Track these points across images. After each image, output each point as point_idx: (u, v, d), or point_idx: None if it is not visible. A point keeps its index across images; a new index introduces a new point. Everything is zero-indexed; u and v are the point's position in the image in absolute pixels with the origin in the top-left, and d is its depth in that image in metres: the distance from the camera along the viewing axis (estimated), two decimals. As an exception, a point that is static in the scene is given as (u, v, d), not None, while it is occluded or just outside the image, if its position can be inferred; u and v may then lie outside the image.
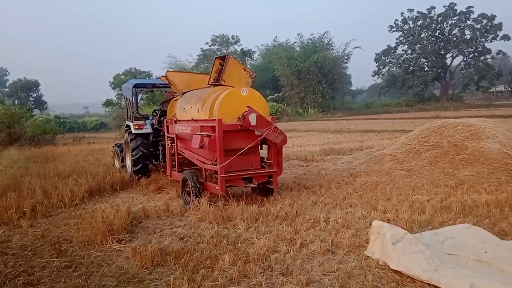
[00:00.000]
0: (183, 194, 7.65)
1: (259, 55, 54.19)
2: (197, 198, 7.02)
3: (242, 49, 46.92)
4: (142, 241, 5.79)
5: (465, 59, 59.73)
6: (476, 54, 58.38)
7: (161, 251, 5.15)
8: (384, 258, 4.62)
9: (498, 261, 4.41)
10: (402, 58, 61.79)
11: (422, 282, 4.12)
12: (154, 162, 10.65)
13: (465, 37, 57.63)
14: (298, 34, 53.42)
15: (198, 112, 7.47)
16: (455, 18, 58.70)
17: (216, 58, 7.98)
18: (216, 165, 7.00)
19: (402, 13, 61.07)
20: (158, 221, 6.88)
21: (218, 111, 6.93)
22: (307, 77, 48.37)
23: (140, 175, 10.09)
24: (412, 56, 60.91)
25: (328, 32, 49.10)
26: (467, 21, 58.09)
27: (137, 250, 5.10)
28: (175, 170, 8.77)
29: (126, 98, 11.61)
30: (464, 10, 57.91)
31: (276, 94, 48.89)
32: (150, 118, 10.72)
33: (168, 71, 9.14)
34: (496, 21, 56.39)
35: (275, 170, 7.48)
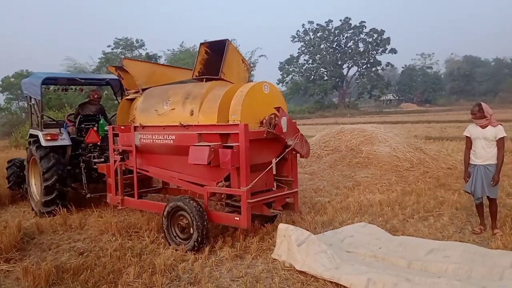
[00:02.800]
0: (171, 231, 5.50)
1: (165, 60, 53.13)
2: (202, 239, 5.18)
3: (147, 53, 45.59)
4: (35, 259, 5.37)
5: (359, 69, 64.83)
6: (368, 65, 63.62)
7: (57, 269, 4.77)
8: (290, 260, 4.75)
9: (391, 256, 4.84)
10: (304, 67, 65.10)
11: (325, 280, 4.32)
12: (73, 185, 8.21)
13: (359, 49, 62.56)
14: (205, 40, 53.54)
15: (192, 114, 5.51)
16: (350, 31, 63.44)
17: (201, 44, 5.97)
18: (228, 186, 5.28)
19: (303, 25, 64.43)
20: (54, 236, 6.38)
21: (239, 114, 5.16)
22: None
23: (54, 207, 7.33)
24: (313, 65, 64.49)
25: (234, 39, 49.67)
26: (361, 34, 63.08)
27: (28, 270, 4.68)
28: (128, 195, 6.67)
29: (30, 97, 8.38)
30: (357, 24, 62.82)
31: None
32: (64, 125, 8.20)
33: (125, 58, 6.85)
34: (385, 36, 62.03)
35: (296, 189, 5.94)
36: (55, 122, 8.53)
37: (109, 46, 46.26)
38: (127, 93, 6.82)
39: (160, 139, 5.85)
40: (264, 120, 5.30)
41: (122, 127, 6.52)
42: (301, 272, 4.54)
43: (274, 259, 4.95)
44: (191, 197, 5.49)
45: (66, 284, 4.56)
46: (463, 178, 5.98)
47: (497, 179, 5.52)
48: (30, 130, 8.27)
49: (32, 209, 7.84)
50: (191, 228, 5.21)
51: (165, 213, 5.49)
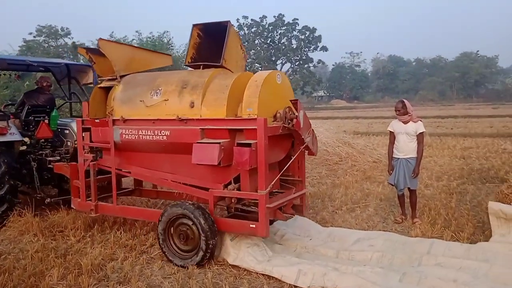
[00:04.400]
0: (170, 244, 4.79)
1: (94, 50, 50.78)
2: (213, 251, 4.60)
3: (73, 42, 42.94)
4: None
5: (292, 66, 66.09)
6: (301, 62, 65.10)
7: None
8: (223, 255, 4.77)
9: (320, 247, 5.06)
10: (237, 62, 65.14)
11: (257, 273, 4.41)
12: (24, 189, 7.07)
13: (292, 46, 63.81)
14: (137, 31, 51.62)
15: (192, 107, 4.77)
16: (283, 28, 64.42)
17: (194, 26, 5.17)
18: (238, 189, 4.61)
19: (237, 20, 64.41)
20: None
21: (256, 107, 4.44)
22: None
23: (2, 213, 6.28)
24: (248, 61, 64.76)
25: (168, 31, 48.37)
26: (294, 31, 64.35)
27: None
28: (102, 200, 5.76)
29: None
30: (290, 21, 64.01)
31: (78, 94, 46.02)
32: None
33: (101, 38, 5.60)
34: (316, 34, 63.88)
35: (306, 190, 5.48)
36: (1, 113, 7.07)
37: (30, 33, 42.97)
38: (100, 80, 5.81)
39: (149, 135, 5.02)
40: (278, 114, 4.70)
41: (97, 121, 5.52)
42: (234, 266, 4.58)
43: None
44: (194, 202, 4.76)
45: None
46: (387, 171, 6.32)
47: (417, 171, 5.92)
48: None
49: None
50: (197, 239, 4.55)
51: (161, 223, 4.72)
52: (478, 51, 71.43)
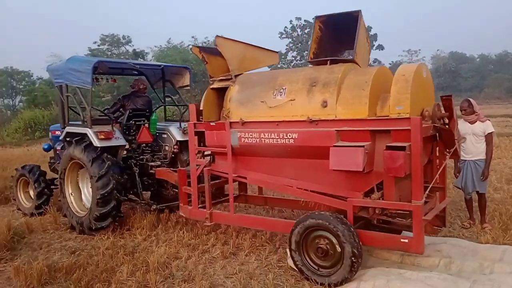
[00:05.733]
0: (305, 259, 4.35)
1: (152, 56, 52.12)
2: (358, 266, 4.08)
3: (134, 49, 44.42)
4: (26, 258, 5.32)
5: (347, 66, 64.67)
6: (357, 62, 63.58)
7: (49, 268, 4.76)
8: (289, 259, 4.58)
9: (383, 251, 4.74)
10: (292, 64, 64.57)
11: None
12: (128, 195, 6.87)
13: (346, 45, 62.51)
14: (193, 37, 52.62)
15: (325, 106, 4.30)
16: (337, 27, 63.26)
17: (316, 18, 4.80)
18: (381, 198, 4.10)
19: (290, 21, 63.99)
20: (44, 235, 6.34)
21: (408, 105, 3.87)
22: (203, 80, 47.72)
23: (108, 221, 6.18)
24: (301, 62, 63.96)
25: (221, 35, 48.99)
26: (348, 31, 62.98)
27: (20, 269, 4.67)
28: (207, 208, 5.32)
29: (67, 87, 6.94)
30: (345, 20, 62.72)
31: (172, 97, 47.25)
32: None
33: (218, 36, 5.26)
34: (372, 32, 61.99)
35: (448, 199, 4.85)
36: (105, 116, 7.06)
37: (95, 42, 44.95)
38: (212, 81, 5.49)
39: (272, 139, 4.64)
40: (426, 112, 4.12)
41: (212, 124, 5.21)
42: (293, 268, 4.51)
43: (267, 255, 5.02)
44: (333, 212, 4.27)
45: (58, 283, 4.53)
46: (453, 173, 6.02)
47: (486, 174, 5.62)
48: (67, 128, 6.82)
49: (72, 227, 6.53)
50: (338, 254, 4.08)
51: (295, 234, 4.30)
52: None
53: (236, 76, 5.25)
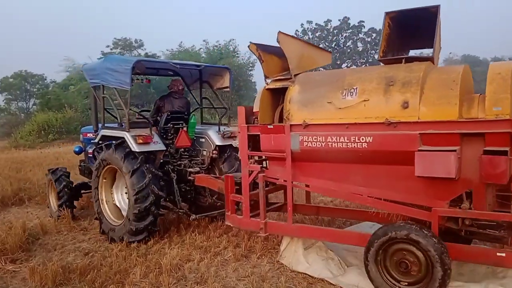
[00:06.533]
0: (383, 273, 4.02)
1: (164, 60, 52.40)
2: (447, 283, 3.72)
3: (146, 53, 44.39)
4: (41, 259, 5.37)
5: (358, 69, 64.33)
6: (367, 65, 63.07)
7: (63, 269, 4.79)
8: (294, 262, 4.75)
9: None
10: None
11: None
12: (170, 206, 6.53)
13: (358, 49, 62.02)
14: (204, 41, 52.56)
15: (406, 107, 3.89)
16: (348, 31, 62.85)
17: (386, 14, 4.39)
18: (470, 208, 3.73)
19: (302, 24, 63.77)
20: (58, 236, 6.36)
21: (509, 104, 3.53)
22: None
23: (144, 235, 5.85)
24: (311, 65, 63.75)
25: (233, 39, 49.01)
26: (359, 34, 62.56)
27: (35, 270, 4.70)
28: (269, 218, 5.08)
29: (103, 88, 6.58)
30: (356, 24, 62.31)
31: (209, 99, 47.10)
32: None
33: (280, 32, 4.76)
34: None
35: None
36: (144, 119, 6.64)
37: (107, 46, 44.95)
38: (268, 80, 5.13)
39: (341, 143, 4.24)
40: None
41: (270, 127, 4.84)
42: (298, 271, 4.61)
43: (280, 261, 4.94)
44: (418, 224, 3.89)
45: (73, 284, 4.55)
46: None
47: None
48: (103, 131, 6.47)
49: (103, 232, 6.23)
50: (424, 269, 3.75)
51: (372, 249, 3.95)
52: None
53: (295, 75, 4.85)
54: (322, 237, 4.80)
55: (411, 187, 3.97)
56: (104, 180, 6.43)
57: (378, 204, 4.30)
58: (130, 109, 6.28)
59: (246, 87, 52.57)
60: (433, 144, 3.75)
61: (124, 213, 6.17)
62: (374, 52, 62.15)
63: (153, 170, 5.88)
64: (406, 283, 3.86)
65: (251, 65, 52.02)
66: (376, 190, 4.23)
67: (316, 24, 63.23)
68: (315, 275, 4.47)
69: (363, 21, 62.03)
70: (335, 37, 63.50)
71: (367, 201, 4.37)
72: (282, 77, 4.94)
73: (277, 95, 5.04)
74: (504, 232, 3.77)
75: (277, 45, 4.76)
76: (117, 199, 6.53)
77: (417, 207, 4.05)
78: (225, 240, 5.66)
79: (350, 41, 63.44)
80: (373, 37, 61.53)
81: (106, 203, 6.44)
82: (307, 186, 4.89)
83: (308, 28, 63.33)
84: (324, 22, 63.29)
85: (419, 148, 3.75)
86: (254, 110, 5.06)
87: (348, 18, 62.23)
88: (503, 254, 3.57)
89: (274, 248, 5.32)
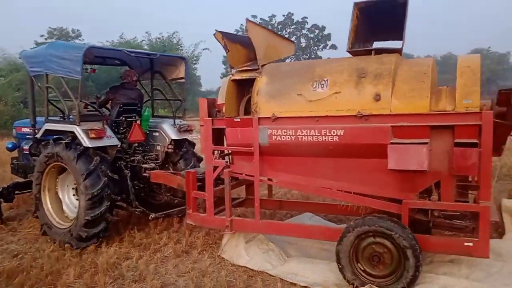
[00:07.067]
0: (355, 267, 3.97)
1: (104, 52, 50.08)
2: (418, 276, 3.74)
3: (84, 44, 42.33)
4: None
5: (302, 65, 65.43)
6: (310, 61, 64.46)
7: None
8: (235, 256, 4.74)
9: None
10: (248, 62, 64.45)
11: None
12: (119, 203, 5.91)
13: (301, 44, 63.09)
14: (147, 32, 50.94)
15: (377, 100, 3.84)
16: (292, 26, 63.80)
17: (355, 5, 4.28)
18: (439, 199, 3.77)
19: (247, 19, 63.71)
20: None
21: (478, 97, 3.59)
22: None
23: (93, 241, 5.37)
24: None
25: (177, 32, 47.87)
26: (303, 30, 63.68)
27: None
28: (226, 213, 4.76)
29: (46, 77, 5.98)
30: (300, 20, 63.33)
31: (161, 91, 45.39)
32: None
33: (249, 20, 4.75)
34: (326, 32, 63.13)
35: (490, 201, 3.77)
36: (96, 111, 6.13)
37: (42, 35, 42.19)
38: (233, 71, 4.86)
39: (312, 136, 4.12)
40: (484, 107, 3.69)
41: (236, 120, 4.61)
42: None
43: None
44: (388, 216, 3.89)
45: None
46: None
47: None
48: (47, 125, 5.92)
49: (44, 233, 5.79)
50: (396, 258, 3.76)
51: (343, 245, 3.90)
52: (489, 47, 70.69)
53: (262, 66, 4.66)
54: (291, 233, 4.69)
55: (381, 180, 3.95)
56: (48, 179, 5.89)
57: (348, 197, 4.24)
58: (81, 101, 5.78)
59: (191, 81, 51.65)
60: (404, 137, 3.74)
61: (71, 215, 5.74)
62: (316, 48, 63.57)
63: (109, 172, 5.48)
64: (380, 276, 3.84)
65: (195, 58, 51.20)
66: (346, 184, 4.18)
67: (260, 19, 63.35)
68: (255, 268, 4.48)
69: (307, 17, 63.18)
70: (279, 32, 64.22)
71: (336, 195, 4.30)
72: (248, 68, 4.73)
73: (242, 87, 4.83)
74: (469, 222, 3.85)
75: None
76: (63, 199, 6.02)
77: (384, 200, 4.05)
78: (166, 237, 5.58)
79: (294, 36, 64.30)
80: (316, 33, 62.87)
81: (50, 206, 5.89)
82: (269, 180, 4.77)
83: (253, 22, 63.56)
84: (269, 17, 63.72)
85: (391, 141, 3.74)
86: (218, 103, 4.83)
87: (292, 14, 63.15)
88: (471, 244, 3.64)
89: (215, 243, 5.30)
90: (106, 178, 5.34)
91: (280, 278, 4.24)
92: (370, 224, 3.81)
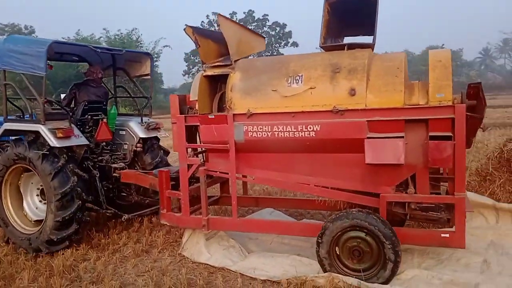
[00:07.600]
0: (336, 263, 3.96)
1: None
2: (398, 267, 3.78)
3: (38, 41, 40.59)
4: None
5: (264, 62, 65.65)
6: (272, 59, 64.75)
7: None
8: (196, 253, 4.72)
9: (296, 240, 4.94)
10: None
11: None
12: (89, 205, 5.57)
13: (263, 42, 63.38)
14: (104, 29, 49.61)
15: (353, 94, 3.85)
16: (253, 24, 63.81)
17: (325, 1, 4.22)
18: (415, 192, 3.84)
19: (207, 16, 63.28)
20: None
21: (450, 91, 3.64)
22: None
23: (63, 245, 5.20)
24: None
25: (136, 29, 46.82)
26: (264, 27, 63.85)
27: None
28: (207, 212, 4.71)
29: (4, 73, 5.64)
30: (261, 17, 63.50)
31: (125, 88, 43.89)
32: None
33: (220, 14, 4.51)
34: (287, 29, 63.66)
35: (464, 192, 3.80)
36: (62, 110, 5.86)
37: (-9, 31, 40.22)
38: (205, 67, 4.71)
39: (288, 132, 4.09)
40: (454, 100, 3.72)
41: (211, 117, 4.50)
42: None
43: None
44: (366, 210, 3.91)
45: None
46: None
47: None
48: (7, 124, 5.58)
49: (7, 242, 5.55)
50: (376, 251, 3.79)
51: (323, 244, 3.90)
52: (443, 44, 73.47)
53: (235, 61, 4.56)
54: (270, 230, 4.65)
55: (358, 174, 3.98)
56: (8, 181, 5.62)
57: (325, 192, 4.26)
58: (46, 98, 5.46)
59: (152, 79, 50.76)
60: (379, 131, 3.78)
61: (31, 215, 5.58)
62: (278, 45, 63.93)
63: (78, 171, 5.26)
64: (361, 270, 3.85)
65: (156, 55, 50.26)
66: (323, 179, 4.18)
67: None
68: (216, 264, 4.48)
69: (267, 15, 63.42)
70: (241, 30, 64.17)
71: (314, 190, 4.29)
72: (221, 63, 4.62)
73: (215, 83, 4.74)
74: (444, 213, 3.94)
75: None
76: (25, 197, 5.77)
77: (360, 194, 4.09)
78: (125, 236, 5.51)
79: (255, 34, 64.59)
80: (277, 31, 63.21)
81: (12, 210, 5.63)
82: (244, 176, 4.76)
83: (214, 19, 62.84)
84: (230, 14, 63.36)
85: (367, 136, 3.77)
86: (190, 99, 4.71)
87: (253, 12, 63.18)
88: (447, 235, 3.72)
89: (176, 241, 5.26)
90: (75, 177, 5.15)
91: (240, 273, 4.26)
92: (348, 219, 3.83)
